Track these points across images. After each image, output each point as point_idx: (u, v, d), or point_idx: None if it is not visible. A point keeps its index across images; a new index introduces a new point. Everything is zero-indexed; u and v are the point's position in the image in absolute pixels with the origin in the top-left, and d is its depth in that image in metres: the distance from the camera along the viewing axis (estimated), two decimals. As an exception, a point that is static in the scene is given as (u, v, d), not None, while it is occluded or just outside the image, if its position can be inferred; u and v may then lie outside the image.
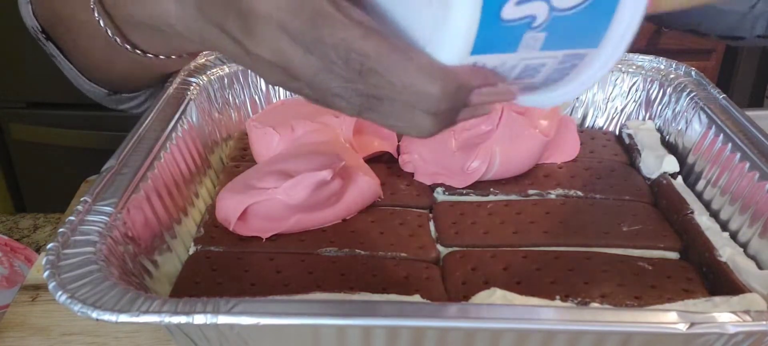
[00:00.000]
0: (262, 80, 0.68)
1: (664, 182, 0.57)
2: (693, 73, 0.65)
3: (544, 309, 0.37)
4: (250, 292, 0.45)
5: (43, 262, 0.38)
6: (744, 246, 0.49)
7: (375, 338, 0.36)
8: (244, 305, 0.35)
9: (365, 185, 0.53)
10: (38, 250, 0.80)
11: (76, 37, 0.58)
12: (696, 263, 0.48)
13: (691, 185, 0.57)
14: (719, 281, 0.46)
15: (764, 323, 0.35)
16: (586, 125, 0.69)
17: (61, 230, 0.40)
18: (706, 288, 0.46)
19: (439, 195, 0.57)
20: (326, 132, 0.57)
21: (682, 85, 0.64)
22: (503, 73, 0.34)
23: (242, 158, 0.61)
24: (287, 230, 0.50)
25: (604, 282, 0.46)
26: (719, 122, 0.57)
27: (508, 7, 0.30)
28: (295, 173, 0.49)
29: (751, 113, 0.57)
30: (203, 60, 0.65)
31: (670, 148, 0.62)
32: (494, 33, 0.31)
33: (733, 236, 0.51)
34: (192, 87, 0.61)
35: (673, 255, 0.50)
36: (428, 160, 0.57)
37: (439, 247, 0.51)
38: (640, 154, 0.61)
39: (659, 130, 0.65)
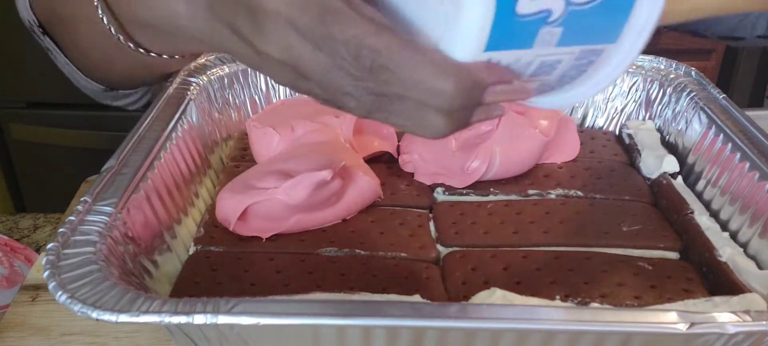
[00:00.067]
0: (262, 80, 0.68)
1: (664, 182, 0.57)
2: (693, 73, 0.65)
3: (544, 309, 0.37)
4: (250, 292, 0.45)
5: (43, 262, 0.38)
6: (744, 246, 0.49)
7: (375, 338, 0.36)
8: (244, 305, 0.35)
9: (365, 185, 0.53)
10: (38, 250, 0.80)
11: (75, 33, 0.58)
12: (696, 263, 0.48)
13: (691, 185, 0.57)
14: (719, 281, 0.46)
15: (764, 323, 0.35)
16: (586, 125, 0.69)
17: (61, 230, 0.40)
18: (706, 288, 0.46)
19: (439, 195, 0.57)
20: (326, 132, 0.57)
21: (682, 85, 0.64)
22: (518, 71, 0.33)
23: (242, 158, 0.61)
24: (287, 230, 0.50)
25: (604, 282, 0.46)
26: (719, 122, 0.57)
27: (523, 2, 0.29)
28: (295, 173, 0.49)
29: (751, 113, 0.57)
30: (203, 60, 0.65)
31: (670, 148, 0.62)
32: (509, 28, 0.30)
33: (733, 236, 0.51)
34: (192, 87, 0.61)
35: (673, 255, 0.50)
36: (428, 160, 0.57)
37: (439, 247, 0.51)
38: (640, 154, 0.61)
39: (659, 130, 0.65)
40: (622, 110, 0.68)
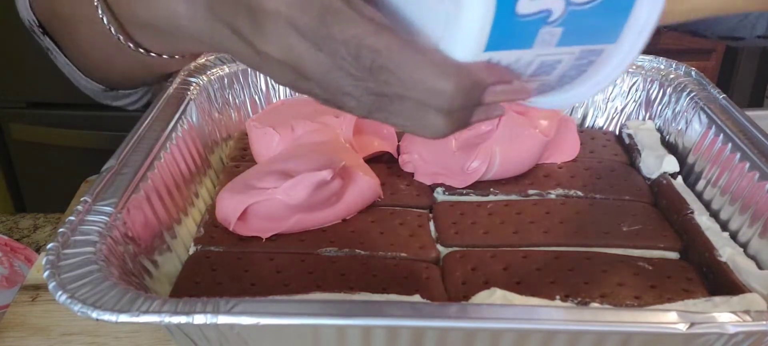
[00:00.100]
0: (262, 80, 0.68)
1: (664, 181, 0.57)
2: (693, 73, 0.65)
3: (544, 309, 0.37)
4: (250, 292, 0.45)
5: (43, 262, 0.38)
6: (744, 246, 0.49)
7: (375, 338, 0.36)
8: (244, 305, 0.35)
9: (365, 185, 0.53)
10: (38, 250, 0.80)
11: (75, 33, 0.58)
12: (696, 263, 0.48)
13: (691, 185, 0.57)
14: (719, 281, 0.46)
15: (764, 323, 0.35)
16: (586, 125, 0.69)
17: (61, 230, 0.40)
18: (706, 288, 0.46)
19: (439, 195, 0.57)
20: (326, 132, 0.57)
21: (682, 85, 0.64)
22: (518, 71, 0.33)
23: (242, 158, 0.61)
24: (287, 230, 0.50)
25: (604, 282, 0.46)
26: (719, 122, 0.57)
27: (523, 2, 0.29)
28: (295, 173, 0.49)
29: (751, 113, 0.57)
30: (203, 60, 0.65)
31: (670, 148, 0.62)
32: (509, 28, 0.30)
33: (733, 236, 0.51)
34: (192, 87, 0.61)
35: (673, 255, 0.50)
36: (428, 160, 0.57)
37: (439, 247, 0.51)
38: (640, 154, 0.61)
39: (659, 130, 0.65)
40: (622, 110, 0.68)
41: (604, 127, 0.68)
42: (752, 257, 0.48)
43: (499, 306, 0.40)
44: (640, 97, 0.67)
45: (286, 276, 0.46)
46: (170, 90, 0.59)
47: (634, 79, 0.67)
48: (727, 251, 0.47)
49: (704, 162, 0.57)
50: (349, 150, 0.56)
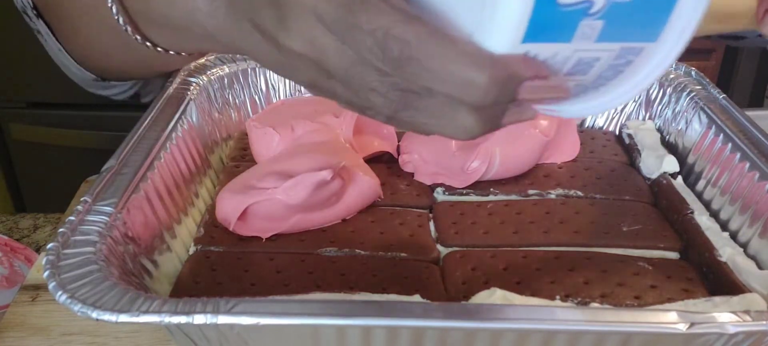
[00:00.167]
0: (262, 80, 0.68)
1: (664, 181, 0.57)
2: (693, 73, 0.65)
3: (544, 309, 0.37)
4: (250, 292, 0.45)
5: (43, 262, 0.38)
6: (744, 246, 0.49)
7: (375, 338, 0.36)
8: (244, 305, 0.35)
9: (365, 185, 0.53)
10: (38, 250, 0.79)
11: (77, 22, 0.57)
12: (696, 263, 0.48)
13: (691, 185, 0.57)
14: (719, 281, 0.46)
15: (764, 323, 0.35)
16: (586, 125, 0.69)
17: (61, 230, 0.40)
18: (706, 288, 0.46)
19: (439, 195, 0.57)
20: (326, 132, 0.57)
21: (682, 85, 0.64)
22: (555, 67, 0.31)
23: (242, 158, 0.61)
24: (287, 230, 0.50)
25: (604, 282, 0.46)
26: (719, 122, 0.57)
27: None
28: (295, 173, 0.49)
29: (751, 113, 0.57)
30: (203, 60, 0.65)
31: (670, 148, 0.62)
32: (549, 18, 0.28)
33: (733, 236, 0.51)
34: (192, 87, 0.61)
35: (673, 255, 0.50)
36: (428, 160, 0.57)
37: (439, 247, 0.51)
38: (640, 154, 0.61)
39: (659, 130, 0.65)
40: (622, 110, 0.68)
41: (604, 127, 0.68)
42: (752, 257, 0.48)
43: (499, 306, 0.40)
44: (640, 97, 0.67)
45: (286, 276, 0.46)
46: (170, 90, 0.59)
47: (634, 79, 0.67)
48: (727, 251, 0.47)
49: (704, 162, 0.57)
50: (349, 150, 0.56)
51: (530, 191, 0.56)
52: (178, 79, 0.61)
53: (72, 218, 0.41)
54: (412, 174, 0.58)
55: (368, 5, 0.31)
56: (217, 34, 0.41)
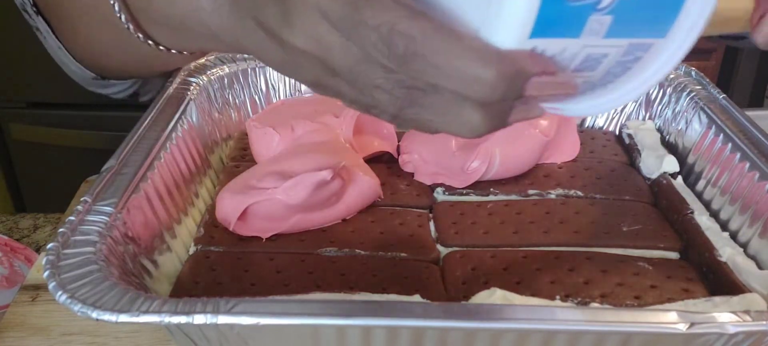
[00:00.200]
0: (262, 80, 0.68)
1: (664, 181, 0.57)
2: (693, 73, 0.65)
3: (544, 309, 0.37)
4: (250, 292, 0.45)
5: (43, 262, 0.38)
6: (744, 246, 0.49)
7: (375, 338, 0.36)
8: (244, 305, 0.35)
9: (365, 185, 0.53)
10: (38, 250, 0.79)
11: (76, 19, 0.56)
12: (696, 263, 0.48)
13: (691, 184, 0.57)
14: (719, 281, 0.46)
15: (764, 323, 0.35)
16: (586, 125, 0.69)
17: (61, 230, 0.40)
18: (706, 288, 0.46)
19: (439, 195, 0.57)
20: (326, 132, 0.57)
21: (682, 85, 0.64)
22: (563, 63, 0.31)
23: (242, 158, 0.61)
24: (287, 230, 0.50)
25: (604, 282, 0.46)
26: (719, 122, 0.57)
27: None
28: (295, 173, 0.49)
29: (751, 113, 0.57)
30: (203, 60, 0.65)
31: (670, 148, 0.62)
32: (557, 13, 0.28)
33: (733, 236, 0.51)
34: (192, 87, 0.61)
35: (673, 255, 0.50)
36: (428, 160, 0.57)
37: (439, 247, 0.51)
38: (640, 154, 0.61)
39: (659, 130, 0.65)
40: (622, 110, 0.68)
41: (604, 127, 0.68)
42: (752, 257, 0.48)
43: (499, 306, 0.40)
44: (639, 97, 0.67)
45: (286, 276, 0.46)
46: (170, 90, 0.59)
47: (634, 79, 0.67)
48: (727, 251, 0.47)
49: (704, 162, 0.57)
50: (349, 150, 0.56)
51: (530, 191, 0.56)
52: (178, 79, 0.61)
53: (72, 218, 0.41)
54: (412, 174, 0.58)
55: (373, 1, 0.30)
56: (220, 33, 0.41)
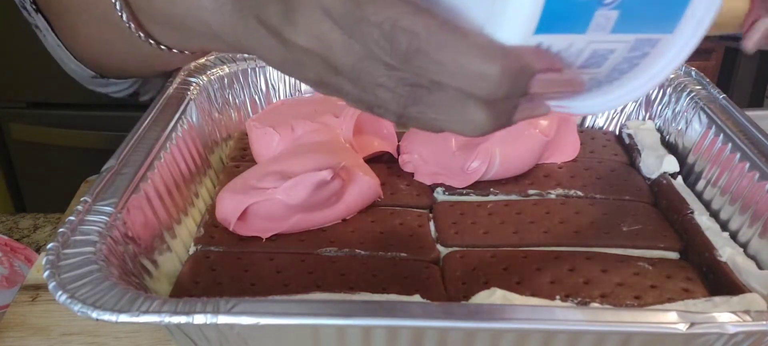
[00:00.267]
0: (262, 80, 0.68)
1: (664, 181, 0.57)
2: (693, 73, 0.65)
3: (544, 309, 0.37)
4: (250, 292, 0.45)
5: (43, 262, 0.38)
6: (744, 246, 0.49)
7: (375, 338, 0.36)
8: (244, 305, 0.35)
9: (365, 185, 0.53)
10: (38, 250, 0.79)
11: (76, 17, 0.56)
12: (696, 263, 0.48)
13: (691, 184, 0.57)
14: (719, 281, 0.46)
15: (764, 323, 0.35)
16: (586, 125, 0.69)
17: (61, 230, 0.40)
18: (706, 288, 0.46)
19: (439, 195, 0.57)
20: (326, 132, 0.57)
21: (682, 85, 0.64)
22: (569, 60, 0.30)
23: (242, 158, 0.61)
24: (287, 230, 0.50)
25: (604, 282, 0.46)
26: (719, 122, 0.57)
27: None
28: (295, 173, 0.49)
29: (751, 113, 0.58)
30: (203, 60, 0.65)
31: (670, 148, 0.62)
32: (563, 8, 0.28)
33: (733, 236, 0.51)
34: (192, 87, 0.61)
35: (673, 255, 0.50)
36: (428, 160, 0.57)
37: (439, 247, 0.51)
38: (640, 154, 0.61)
39: (659, 130, 0.65)
40: (622, 110, 0.68)
41: (604, 127, 0.68)
42: (752, 257, 0.48)
43: (499, 306, 0.40)
44: (646, 94, 0.67)
45: (286, 276, 0.46)
46: (170, 90, 0.59)
47: (634, 79, 0.67)
48: (727, 251, 0.47)
49: (704, 162, 0.57)
50: (349, 150, 0.56)
51: (530, 191, 0.56)
52: (178, 79, 0.61)
53: (72, 218, 0.41)
54: (412, 174, 0.58)
55: None
56: (221, 32, 0.41)
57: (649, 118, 0.66)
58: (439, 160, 0.57)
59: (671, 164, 0.58)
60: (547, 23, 0.28)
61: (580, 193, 0.56)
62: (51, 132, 1.49)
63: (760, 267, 0.47)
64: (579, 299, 0.44)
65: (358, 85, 0.33)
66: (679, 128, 0.62)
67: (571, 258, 0.48)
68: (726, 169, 0.54)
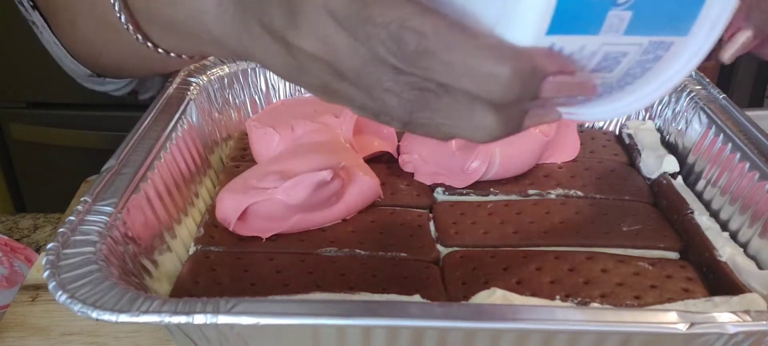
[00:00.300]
0: (262, 80, 0.68)
1: (664, 181, 0.57)
2: (693, 73, 0.65)
3: (544, 309, 0.37)
4: (250, 292, 0.45)
5: (43, 262, 0.38)
6: (744, 246, 0.49)
7: (375, 338, 0.36)
8: (244, 305, 0.35)
9: (365, 185, 0.53)
10: (38, 250, 0.79)
11: (73, 16, 0.55)
12: (696, 263, 0.48)
13: (691, 184, 0.57)
14: (719, 281, 0.46)
15: (764, 323, 0.35)
16: (586, 125, 0.69)
17: (61, 230, 0.40)
18: (706, 288, 0.46)
19: (439, 195, 0.57)
20: (326, 132, 0.57)
21: (682, 85, 0.64)
22: (581, 62, 0.30)
23: (242, 158, 0.61)
24: (287, 230, 0.50)
25: (604, 282, 0.46)
26: (719, 122, 0.57)
27: None
28: (295, 173, 0.49)
29: (751, 113, 0.58)
30: (203, 60, 0.65)
31: (670, 148, 0.62)
32: (576, 8, 0.27)
33: (733, 236, 0.51)
34: (192, 87, 0.61)
35: (673, 255, 0.50)
36: (428, 160, 0.57)
37: (439, 247, 0.51)
38: (640, 154, 0.61)
39: (659, 130, 0.65)
40: (622, 110, 0.68)
41: (604, 128, 0.68)
42: (752, 257, 0.48)
43: (499, 306, 0.40)
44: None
45: (286, 276, 0.46)
46: (170, 90, 0.59)
47: (634, 79, 0.67)
48: (727, 251, 0.47)
49: (704, 162, 0.57)
50: (349, 150, 0.56)
51: (530, 191, 0.56)
52: (178, 79, 0.61)
53: (72, 218, 0.41)
54: (412, 174, 0.58)
55: None
56: (223, 38, 0.40)
57: (649, 118, 0.67)
58: (439, 160, 0.57)
59: (671, 164, 0.58)
60: (560, 23, 0.27)
61: (580, 193, 0.56)
62: (51, 132, 1.49)
63: (760, 267, 0.47)
64: (579, 299, 0.44)
65: (364, 90, 0.32)
66: (679, 128, 0.62)
67: (571, 258, 0.48)
68: (726, 170, 0.54)
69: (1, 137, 1.55)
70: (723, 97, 0.60)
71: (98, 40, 0.55)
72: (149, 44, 0.50)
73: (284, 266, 0.47)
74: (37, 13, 0.59)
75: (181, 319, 0.35)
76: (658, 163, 0.58)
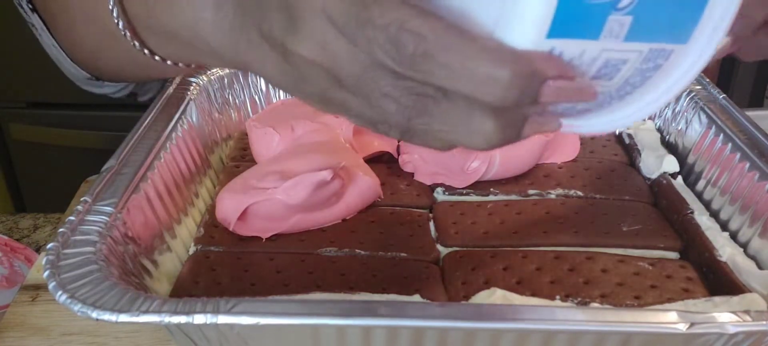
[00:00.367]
0: (262, 80, 0.68)
1: (664, 181, 0.57)
2: (693, 73, 0.65)
3: (544, 309, 0.37)
4: (250, 292, 0.45)
5: (43, 262, 0.38)
6: (744, 246, 0.49)
7: (375, 338, 0.36)
8: (244, 305, 0.35)
9: (365, 185, 0.53)
10: (38, 250, 0.80)
11: (72, 20, 0.55)
12: (696, 263, 0.48)
13: (691, 184, 0.57)
14: (719, 281, 0.46)
15: (764, 323, 0.35)
16: (586, 125, 0.69)
17: (61, 230, 0.40)
18: (706, 288, 0.46)
19: (439, 195, 0.57)
20: (326, 132, 0.57)
21: (682, 85, 0.63)
22: (581, 69, 0.30)
23: (242, 158, 0.61)
24: (287, 230, 0.50)
25: (604, 282, 0.46)
26: (719, 122, 0.57)
27: None
28: (295, 173, 0.49)
29: (751, 113, 0.58)
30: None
31: (670, 148, 0.62)
32: (576, 11, 0.27)
33: (733, 236, 0.51)
34: (192, 87, 0.61)
35: (673, 255, 0.50)
36: (428, 160, 0.57)
37: (439, 247, 0.51)
38: (640, 154, 0.61)
39: (659, 130, 0.65)
40: (622, 110, 0.68)
41: (604, 127, 0.68)
42: (752, 257, 0.48)
43: (499, 306, 0.40)
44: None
45: (286, 276, 0.46)
46: (170, 90, 0.59)
47: (634, 79, 0.67)
48: (727, 251, 0.47)
49: (704, 162, 0.57)
50: (349, 150, 0.56)
51: (530, 191, 0.56)
52: (178, 79, 0.61)
53: (72, 218, 0.41)
54: (412, 174, 0.58)
55: (381, 0, 0.29)
56: (220, 49, 0.40)
57: (649, 118, 0.66)
58: (439, 160, 0.57)
59: (671, 164, 0.58)
60: (560, 27, 0.27)
61: (580, 193, 0.56)
62: (51, 132, 1.49)
63: (760, 267, 0.47)
64: (579, 299, 0.44)
65: (362, 97, 0.32)
66: (679, 128, 0.62)
67: (571, 258, 0.48)
68: (726, 170, 0.54)
69: (1, 137, 1.55)
70: (723, 97, 0.60)
71: (96, 45, 0.55)
72: (146, 51, 0.50)
73: (284, 266, 0.47)
74: (37, 16, 0.59)
75: (181, 319, 0.35)
76: (658, 163, 0.58)
